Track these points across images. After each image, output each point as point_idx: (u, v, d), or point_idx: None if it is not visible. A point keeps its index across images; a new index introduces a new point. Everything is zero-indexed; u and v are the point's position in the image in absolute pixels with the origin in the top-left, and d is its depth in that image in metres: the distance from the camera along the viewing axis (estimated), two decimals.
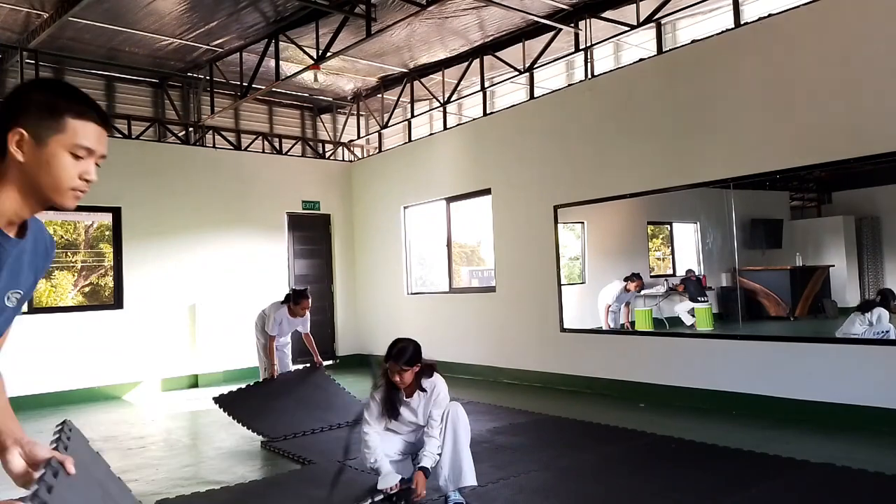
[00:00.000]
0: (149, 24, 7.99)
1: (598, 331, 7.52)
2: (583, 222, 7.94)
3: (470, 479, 3.66)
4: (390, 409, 3.80)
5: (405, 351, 3.69)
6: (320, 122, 12.18)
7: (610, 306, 7.43)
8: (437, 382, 3.81)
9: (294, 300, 6.45)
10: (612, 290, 7.45)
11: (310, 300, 6.52)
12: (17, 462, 1.29)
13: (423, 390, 3.80)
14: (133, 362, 8.60)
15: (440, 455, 3.67)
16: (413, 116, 10.93)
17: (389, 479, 3.69)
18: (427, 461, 3.64)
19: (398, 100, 10.56)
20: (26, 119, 1.28)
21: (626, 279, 7.37)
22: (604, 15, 7.79)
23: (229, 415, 5.76)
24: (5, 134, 1.28)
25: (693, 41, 6.84)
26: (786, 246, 6.58)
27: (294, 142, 10.97)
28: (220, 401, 5.82)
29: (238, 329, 9.38)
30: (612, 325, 7.41)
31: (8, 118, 1.29)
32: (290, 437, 5.52)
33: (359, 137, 11.79)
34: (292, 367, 6.86)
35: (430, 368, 3.83)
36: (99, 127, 1.34)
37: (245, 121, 11.13)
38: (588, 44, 8.08)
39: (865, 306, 5.62)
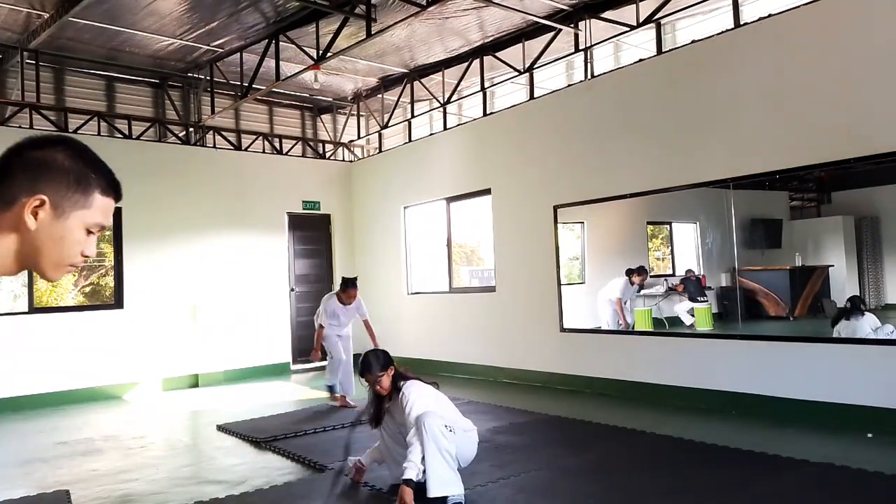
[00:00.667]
0: (149, 25, 8.00)
1: (598, 331, 7.53)
2: (583, 222, 7.94)
3: (432, 490, 3.55)
4: (376, 418, 4.09)
5: (372, 362, 3.99)
6: (320, 122, 12.19)
7: (622, 301, 7.40)
8: (407, 387, 3.92)
9: (341, 287, 6.93)
10: (617, 286, 7.42)
11: (357, 289, 6.91)
12: None
13: (398, 391, 3.96)
14: (133, 362, 8.60)
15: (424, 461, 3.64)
16: (413, 116, 10.93)
17: (349, 463, 4.25)
18: (409, 472, 3.58)
19: (398, 100, 10.56)
20: (48, 185, 1.11)
21: (628, 272, 7.33)
22: (603, 15, 7.80)
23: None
24: (11, 191, 1.10)
25: (693, 41, 6.84)
26: (785, 246, 6.58)
27: (294, 142, 10.97)
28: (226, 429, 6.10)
29: (238, 329, 9.40)
30: (628, 321, 7.37)
31: (24, 177, 1.10)
32: (282, 438, 5.51)
33: (359, 137, 11.79)
34: (344, 357, 6.98)
35: (402, 375, 4.04)
36: (115, 202, 1.21)
37: (245, 121, 11.13)
38: (588, 44, 8.09)
39: (836, 318, 5.64)
